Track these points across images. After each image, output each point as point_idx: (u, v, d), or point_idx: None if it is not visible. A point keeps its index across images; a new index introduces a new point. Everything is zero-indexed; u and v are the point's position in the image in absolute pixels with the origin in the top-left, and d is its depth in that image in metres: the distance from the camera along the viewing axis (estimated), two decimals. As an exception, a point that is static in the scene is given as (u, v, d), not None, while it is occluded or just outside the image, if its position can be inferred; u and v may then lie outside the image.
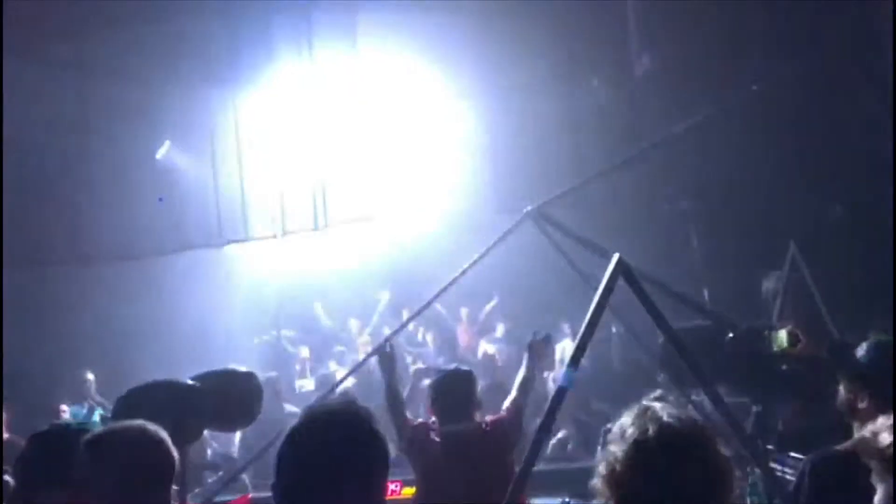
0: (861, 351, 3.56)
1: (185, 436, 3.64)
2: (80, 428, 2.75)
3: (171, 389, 4.43)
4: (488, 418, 4.34)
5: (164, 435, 2.36)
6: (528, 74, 7.33)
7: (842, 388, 3.39)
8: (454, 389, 4.24)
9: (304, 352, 9.38)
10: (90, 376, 7.79)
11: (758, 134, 6.69)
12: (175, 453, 2.35)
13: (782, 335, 3.41)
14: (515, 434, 4.36)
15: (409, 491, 4.45)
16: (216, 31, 7.41)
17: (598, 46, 7.40)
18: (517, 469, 3.95)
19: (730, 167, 6.99)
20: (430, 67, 7.74)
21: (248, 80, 7.46)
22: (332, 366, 9.12)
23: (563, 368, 3.61)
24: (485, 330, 9.66)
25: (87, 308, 9.28)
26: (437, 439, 4.13)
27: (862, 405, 3.23)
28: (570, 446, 6.75)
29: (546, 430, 3.05)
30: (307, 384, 9.03)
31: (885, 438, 2.18)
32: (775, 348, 3.45)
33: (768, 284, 5.42)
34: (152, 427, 2.36)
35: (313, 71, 7.29)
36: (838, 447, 3.26)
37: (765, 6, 6.49)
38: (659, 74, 7.21)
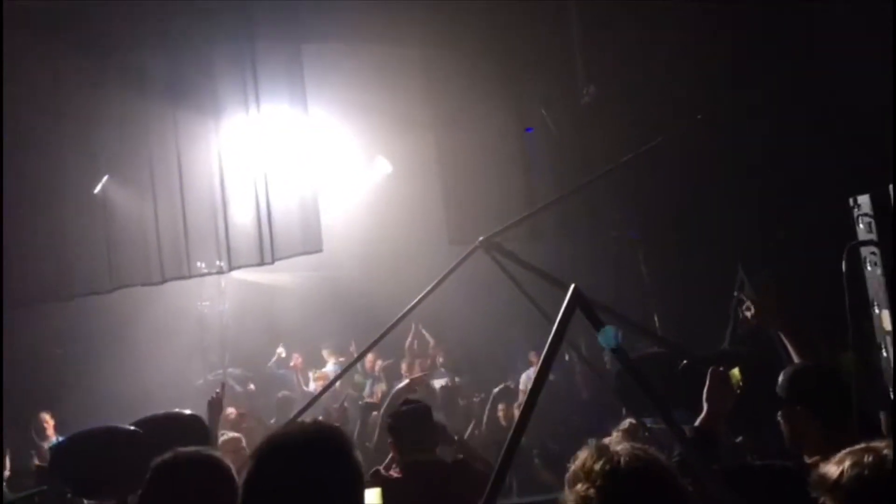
0: (782, 379, 3.60)
1: (128, 483, 3.47)
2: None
3: (110, 436, 4.24)
4: (459, 457, 4.29)
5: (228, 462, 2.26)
6: (479, 106, 7.35)
7: (787, 416, 3.42)
8: (413, 422, 4.16)
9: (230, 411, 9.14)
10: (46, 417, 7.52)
11: (703, 159, 6.81)
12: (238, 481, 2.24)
13: (735, 373, 3.43)
14: (485, 475, 4.29)
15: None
16: (156, 64, 7.25)
17: (545, 78, 7.48)
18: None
19: (676, 193, 7.09)
20: (379, 101, 7.73)
21: (188, 113, 7.29)
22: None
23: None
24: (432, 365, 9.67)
25: (22, 349, 8.92)
26: (396, 475, 4.03)
27: (809, 430, 3.27)
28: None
29: (518, 435, 2.95)
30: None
31: (833, 471, 2.16)
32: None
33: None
34: (217, 454, 2.30)
35: (258, 103, 7.17)
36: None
37: (708, 37, 6.63)
38: (605, 104, 7.30)
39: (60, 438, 7.34)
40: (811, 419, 3.26)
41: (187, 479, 2.20)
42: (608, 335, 3.76)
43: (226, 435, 5.38)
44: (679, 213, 7.22)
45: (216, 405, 4.95)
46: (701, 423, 3.24)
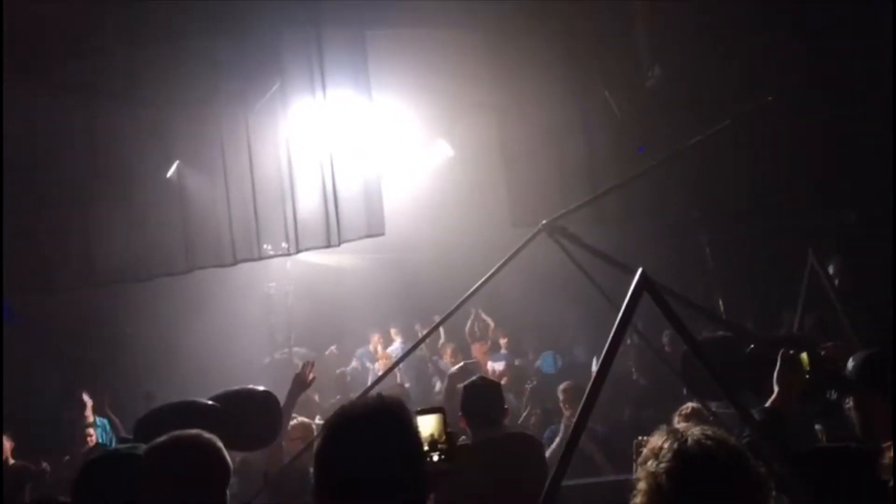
0: (850, 364, 3.56)
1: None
2: (129, 452, 2.81)
3: (190, 410, 4.44)
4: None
5: (220, 443, 2.47)
6: (541, 89, 7.33)
7: (859, 401, 3.39)
8: (485, 397, 4.26)
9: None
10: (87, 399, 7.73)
11: (769, 142, 6.68)
12: (229, 460, 2.41)
13: (804, 357, 3.42)
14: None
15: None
16: (224, 50, 7.42)
17: (608, 59, 7.41)
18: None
19: (743, 175, 6.97)
20: (441, 84, 7.78)
21: (258, 99, 7.47)
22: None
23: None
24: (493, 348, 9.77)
25: (101, 329, 9.33)
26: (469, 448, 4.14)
27: (880, 416, 3.24)
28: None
29: (581, 425, 3.01)
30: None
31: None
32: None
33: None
34: (208, 435, 2.46)
35: (324, 89, 7.29)
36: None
37: (775, 18, 6.49)
38: (670, 85, 7.21)
39: (98, 418, 7.63)
40: (883, 404, 3.23)
41: (180, 461, 2.39)
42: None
43: (296, 419, 5.48)
44: (745, 195, 7.10)
45: (301, 382, 4.98)
46: (771, 403, 3.25)
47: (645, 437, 3.81)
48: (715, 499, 1.87)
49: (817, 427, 4.32)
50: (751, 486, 1.90)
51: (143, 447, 2.79)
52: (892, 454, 2.36)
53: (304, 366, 5.12)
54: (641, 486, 1.96)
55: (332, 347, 10.98)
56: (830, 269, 5.23)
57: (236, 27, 7.30)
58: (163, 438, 2.49)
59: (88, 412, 7.60)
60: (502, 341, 9.89)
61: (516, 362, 9.36)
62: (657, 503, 1.92)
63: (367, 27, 7.32)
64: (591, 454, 6.16)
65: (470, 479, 3.94)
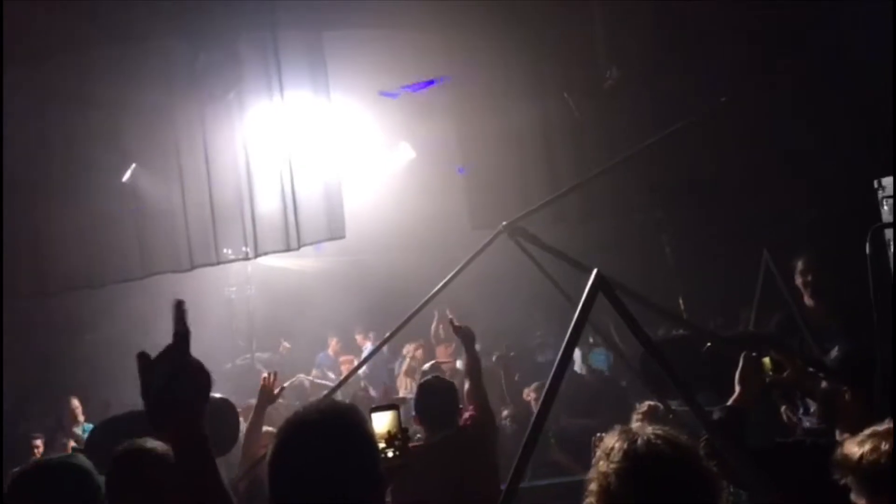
0: (834, 354, 3.65)
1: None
2: (61, 462, 2.77)
3: (141, 420, 4.34)
4: (465, 415, 4.40)
5: (89, 465, 2.55)
6: (500, 90, 7.34)
7: (822, 390, 3.46)
8: (440, 398, 4.26)
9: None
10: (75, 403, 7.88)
11: (727, 140, 6.76)
12: (98, 481, 2.49)
13: (766, 362, 3.48)
14: (491, 426, 4.42)
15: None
16: (181, 52, 7.31)
17: (566, 60, 7.44)
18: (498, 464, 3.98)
19: (701, 175, 7.06)
20: (398, 85, 7.76)
21: (214, 101, 7.36)
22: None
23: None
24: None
25: (59, 334, 9.13)
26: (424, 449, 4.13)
27: (847, 409, 3.31)
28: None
29: (539, 426, 3.00)
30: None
31: (855, 452, 2.19)
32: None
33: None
34: (77, 459, 2.56)
35: (282, 91, 7.22)
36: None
37: (733, 17, 6.57)
38: (628, 86, 7.26)
39: (89, 424, 7.56)
40: (853, 399, 3.30)
41: (46, 485, 2.33)
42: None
43: (268, 429, 5.37)
44: (704, 195, 7.19)
45: (268, 394, 4.83)
46: (733, 401, 3.30)
47: (602, 434, 3.85)
48: (664, 499, 1.86)
49: (783, 409, 4.40)
50: (701, 485, 1.90)
51: (79, 457, 2.73)
52: (844, 450, 2.38)
53: (266, 377, 4.97)
54: (593, 486, 1.96)
55: (284, 343, 10.89)
56: (799, 266, 5.29)
57: (192, 29, 7.19)
58: (28, 464, 2.49)
59: (81, 417, 7.56)
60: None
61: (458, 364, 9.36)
62: (607, 502, 1.91)
63: (325, 28, 7.26)
64: (558, 460, 6.21)
65: (425, 478, 3.94)
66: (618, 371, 8.43)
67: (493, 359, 8.56)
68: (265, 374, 5.05)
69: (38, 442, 7.43)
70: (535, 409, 6.78)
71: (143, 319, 9.38)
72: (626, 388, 8.00)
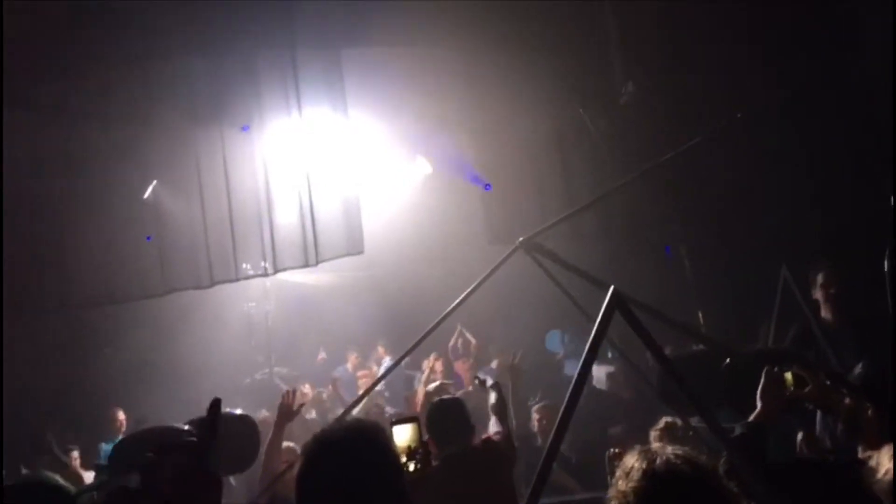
0: (857, 370, 3.62)
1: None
2: (48, 482, 2.79)
3: (165, 436, 4.38)
4: (483, 436, 4.41)
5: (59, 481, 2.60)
6: (516, 107, 7.37)
7: (845, 407, 3.43)
8: (448, 414, 4.25)
9: (307, 388, 9.39)
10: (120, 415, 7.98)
11: (744, 156, 6.75)
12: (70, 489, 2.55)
13: (788, 377, 3.45)
14: (511, 452, 4.41)
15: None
16: (201, 71, 7.41)
17: (582, 77, 7.47)
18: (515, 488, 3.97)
19: (719, 190, 7.04)
20: (419, 102, 7.79)
21: (233, 119, 7.46)
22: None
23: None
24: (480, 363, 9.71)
25: (82, 350, 9.22)
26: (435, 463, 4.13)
27: (871, 426, 3.28)
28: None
29: (557, 442, 3.00)
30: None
31: (883, 464, 2.19)
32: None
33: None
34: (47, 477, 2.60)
35: (300, 108, 7.30)
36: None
37: (747, 31, 6.57)
38: (644, 102, 7.28)
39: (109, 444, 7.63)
40: (876, 415, 3.27)
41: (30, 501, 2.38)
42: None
43: (284, 443, 5.38)
44: (722, 209, 7.16)
45: (287, 411, 4.79)
46: (755, 417, 3.27)
47: (616, 450, 3.84)
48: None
49: (799, 435, 4.35)
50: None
51: (55, 479, 2.79)
52: (871, 464, 2.38)
53: (286, 394, 4.95)
54: (612, 505, 1.97)
55: (322, 353, 10.94)
56: (820, 279, 5.25)
57: (212, 48, 7.29)
58: (19, 479, 2.52)
59: (123, 428, 7.66)
60: (495, 360, 9.87)
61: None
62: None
63: (344, 46, 7.34)
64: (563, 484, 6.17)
65: (437, 496, 3.96)
66: (618, 383, 8.33)
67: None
68: (285, 391, 5.05)
69: (76, 454, 7.51)
70: (536, 428, 6.75)
71: (162, 336, 9.51)
72: (630, 401, 7.92)
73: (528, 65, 7.34)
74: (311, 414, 8.43)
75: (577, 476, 6.18)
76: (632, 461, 2.04)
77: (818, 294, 5.24)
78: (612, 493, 2.04)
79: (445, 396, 4.63)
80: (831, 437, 4.06)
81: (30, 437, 7.97)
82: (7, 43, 6.49)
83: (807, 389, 3.52)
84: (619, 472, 2.05)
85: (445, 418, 4.26)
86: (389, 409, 8.57)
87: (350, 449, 1.91)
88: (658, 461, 1.95)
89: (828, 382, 3.57)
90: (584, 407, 7.69)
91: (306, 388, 9.42)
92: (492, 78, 7.40)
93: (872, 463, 2.36)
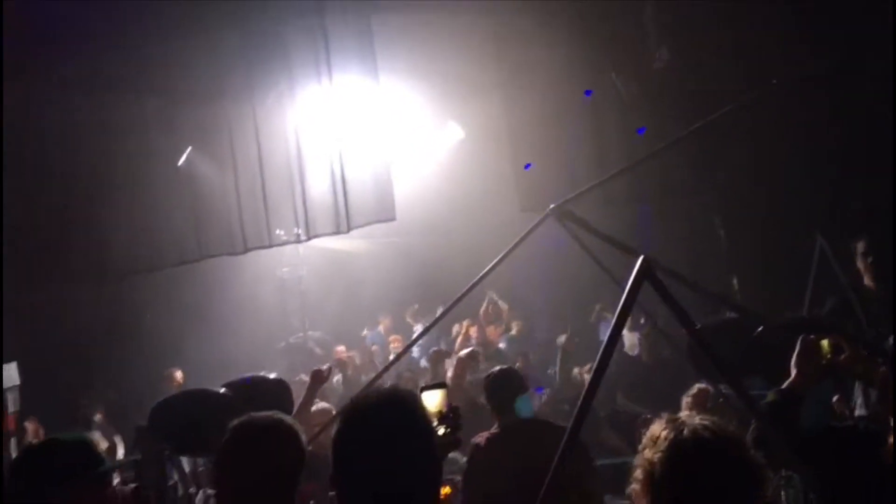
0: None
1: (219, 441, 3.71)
2: (73, 439, 2.87)
3: (201, 399, 4.50)
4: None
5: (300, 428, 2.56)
6: (549, 72, 7.28)
7: (882, 375, 3.40)
8: (508, 383, 4.38)
9: (342, 349, 9.56)
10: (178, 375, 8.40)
11: (779, 125, 6.61)
12: (305, 449, 2.52)
13: (825, 345, 3.39)
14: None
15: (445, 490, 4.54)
16: (233, 41, 7.42)
17: (615, 42, 7.35)
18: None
19: (753, 158, 6.92)
20: (450, 67, 7.74)
21: (265, 88, 7.48)
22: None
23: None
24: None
25: (121, 316, 9.45)
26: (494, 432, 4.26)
27: None
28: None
29: (588, 400, 3.04)
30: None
31: None
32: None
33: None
34: (289, 420, 2.55)
35: (330, 75, 7.29)
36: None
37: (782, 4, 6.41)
38: (677, 68, 7.15)
39: None
40: None
41: (259, 439, 2.42)
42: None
43: (319, 404, 5.55)
44: (757, 178, 7.05)
45: (318, 378, 5.10)
46: (789, 384, 3.24)
47: (648, 415, 3.87)
48: (707, 489, 1.89)
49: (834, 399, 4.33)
50: (745, 475, 1.92)
51: (84, 436, 2.86)
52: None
53: (323, 369, 5.22)
54: (638, 473, 2.01)
55: (385, 319, 11.09)
56: (860, 248, 5.16)
57: (242, 18, 7.30)
58: (245, 418, 2.54)
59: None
60: (515, 325, 9.93)
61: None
62: (651, 490, 1.95)
63: (373, 12, 7.29)
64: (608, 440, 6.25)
65: (499, 464, 4.07)
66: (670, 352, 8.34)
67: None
68: (326, 367, 5.28)
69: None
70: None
71: (198, 301, 9.70)
72: (682, 369, 7.92)
73: (562, 30, 7.23)
74: (340, 377, 8.61)
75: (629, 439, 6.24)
76: (659, 430, 2.05)
77: (860, 263, 5.15)
78: (638, 460, 2.06)
79: (504, 366, 4.74)
80: (866, 405, 4.03)
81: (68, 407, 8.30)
82: (39, 17, 6.57)
83: (842, 357, 3.49)
84: (645, 440, 2.08)
85: (507, 388, 4.35)
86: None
87: (387, 410, 1.98)
88: (685, 430, 1.96)
89: (865, 352, 3.54)
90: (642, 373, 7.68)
91: (341, 349, 9.59)
92: (524, 43, 7.31)
93: None
